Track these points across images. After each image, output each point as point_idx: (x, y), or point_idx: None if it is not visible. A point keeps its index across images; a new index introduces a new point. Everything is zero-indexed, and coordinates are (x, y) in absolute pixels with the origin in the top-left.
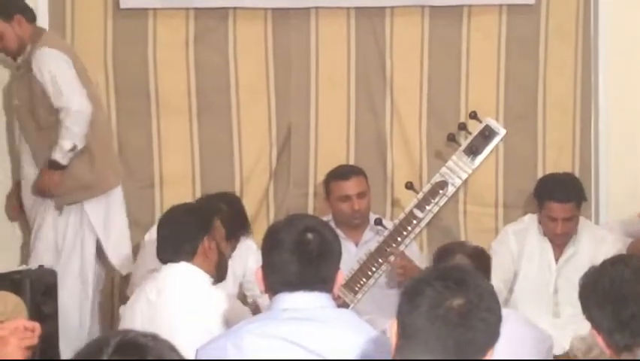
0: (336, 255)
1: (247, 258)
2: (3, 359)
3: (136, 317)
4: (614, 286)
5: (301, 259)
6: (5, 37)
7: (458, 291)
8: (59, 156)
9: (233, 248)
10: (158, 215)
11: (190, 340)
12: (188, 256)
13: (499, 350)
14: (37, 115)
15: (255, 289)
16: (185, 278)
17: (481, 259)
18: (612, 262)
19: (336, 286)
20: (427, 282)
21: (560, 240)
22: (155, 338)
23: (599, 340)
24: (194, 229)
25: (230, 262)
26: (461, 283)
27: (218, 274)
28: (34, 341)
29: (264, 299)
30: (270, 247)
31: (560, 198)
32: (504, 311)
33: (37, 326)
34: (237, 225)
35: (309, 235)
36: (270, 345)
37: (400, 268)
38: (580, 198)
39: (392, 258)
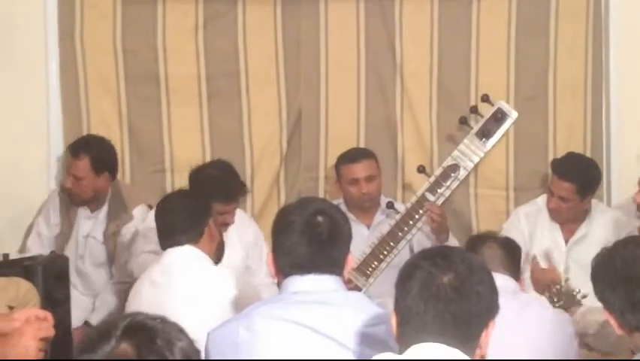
0: (346, 238)
1: (249, 226)
2: (20, 350)
3: (142, 303)
4: (626, 268)
5: (311, 241)
6: (83, 183)
7: (446, 267)
8: None
9: (234, 213)
10: None
11: (200, 323)
12: (195, 239)
13: (528, 333)
14: None
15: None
16: (192, 261)
17: (513, 249)
18: (624, 243)
19: (347, 269)
20: (415, 265)
21: (554, 216)
22: (163, 320)
23: (612, 320)
24: (201, 213)
25: (234, 232)
26: (448, 260)
27: (218, 255)
28: (51, 332)
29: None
30: (280, 230)
31: (560, 174)
32: (527, 296)
33: (48, 315)
34: (234, 187)
35: (320, 218)
36: (281, 328)
37: (437, 216)
38: (583, 185)
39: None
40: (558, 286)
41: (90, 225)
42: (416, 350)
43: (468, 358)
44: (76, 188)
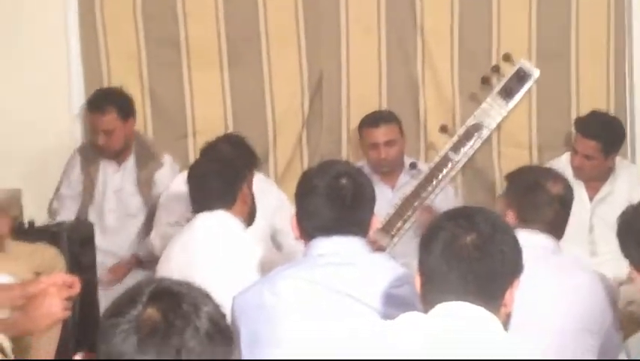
0: (370, 200)
1: (269, 192)
2: (44, 310)
3: (172, 268)
4: None
5: (335, 204)
6: (115, 134)
7: (469, 227)
8: None
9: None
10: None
11: (229, 288)
12: (229, 204)
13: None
14: None
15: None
16: (222, 226)
17: (567, 207)
18: None
19: (371, 230)
20: (438, 226)
21: (578, 174)
22: (189, 285)
23: (638, 277)
24: (234, 179)
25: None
26: (471, 220)
27: (250, 218)
28: (76, 290)
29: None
30: (304, 193)
31: (584, 132)
32: (567, 257)
33: (76, 279)
34: (248, 161)
35: (343, 180)
36: (305, 290)
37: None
38: (607, 143)
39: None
40: None
41: (119, 178)
42: (441, 310)
43: (492, 316)
44: (109, 142)
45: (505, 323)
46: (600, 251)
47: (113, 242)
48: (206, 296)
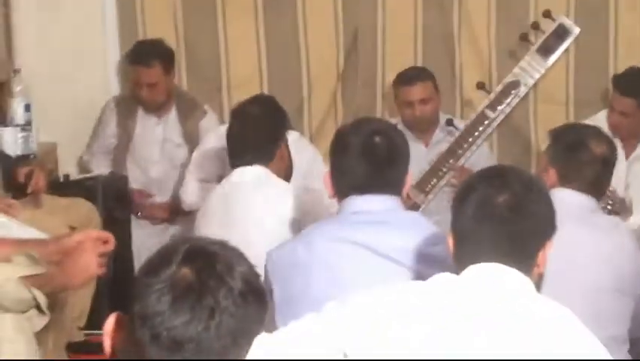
0: (405, 158)
1: (303, 150)
2: (81, 265)
3: (211, 222)
4: None
5: (370, 162)
6: (159, 87)
7: (502, 187)
8: None
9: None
10: (226, 119)
11: (267, 243)
12: (267, 159)
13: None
14: None
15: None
16: (262, 181)
17: (611, 167)
18: None
19: (405, 189)
20: (471, 186)
21: (615, 131)
22: (224, 245)
23: None
24: (277, 133)
25: None
26: (504, 179)
27: (286, 178)
28: (111, 247)
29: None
30: (338, 151)
31: (621, 89)
32: (605, 218)
33: (110, 235)
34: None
35: (377, 139)
36: (340, 248)
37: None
38: None
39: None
40: (611, 189)
41: (161, 130)
42: (473, 271)
43: (525, 277)
44: (153, 95)
45: (538, 284)
46: (636, 209)
47: (157, 194)
48: (241, 256)
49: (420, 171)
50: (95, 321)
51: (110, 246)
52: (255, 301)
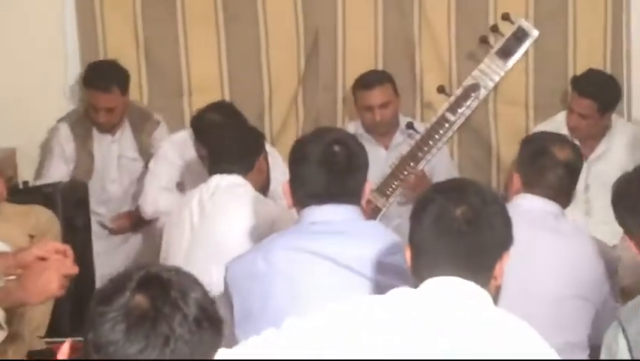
0: (364, 167)
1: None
2: (42, 283)
3: (184, 233)
4: None
5: (329, 171)
6: (116, 110)
7: (460, 200)
8: None
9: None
10: (187, 125)
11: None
12: (246, 170)
13: (566, 264)
14: None
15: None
16: (237, 188)
17: (576, 172)
18: None
19: (364, 198)
20: (428, 198)
21: (574, 133)
22: (178, 271)
23: (632, 245)
24: (256, 146)
25: None
26: (462, 192)
27: (263, 190)
28: (74, 270)
29: None
30: (297, 160)
31: (580, 91)
32: (568, 224)
33: (68, 248)
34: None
35: (336, 148)
36: (299, 259)
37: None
38: (603, 102)
39: (412, 177)
40: None
41: (116, 147)
42: (431, 284)
43: (482, 290)
44: (110, 118)
45: (495, 297)
46: (595, 210)
47: (118, 211)
48: (195, 282)
49: (381, 174)
50: (55, 328)
51: (75, 269)
52: (209, 327)
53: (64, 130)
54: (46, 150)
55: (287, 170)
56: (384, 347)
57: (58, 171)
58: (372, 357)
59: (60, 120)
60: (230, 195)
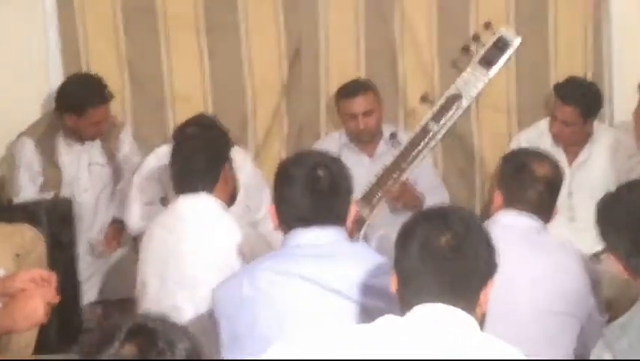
0: (348, 189)
1: (244, 166)
2: (28, 312)
3: (155, 248)
4: (630, 212)
5: (313, 195)
6: (105, 122)
7: (444, 228)
8: None
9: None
10: (169, 135)
11: (211, 274)
12: (211, 185)
13: (550, 280)
14: None
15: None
16: (205, 210)
17: (556, 185)
18: (629, 187)
19: (350, 219)
20: (413, 226)
21: (557, 140)
22: (164, 321)
23: (617, 264)
24: (219, 156)
25: None
26: (446, 220)
27: (232, 198)
28: (56, 299)
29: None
30: (281, 183)
31: (562, 98)
32: (550, 239)
33: (52, 275)
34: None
35: (320, 172)
36: (285, 282)
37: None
38: (585, 108)
39: (395, 187)
40: None
41: (87, 155)
42: (418, 312)
43: (469, 317)
44: (103, 126)
45: (481, 323)
46: (579, 216)
47: (92, 220)
48: (182, 332)
49: (365, 183)
50: (41, 344)
51: (57, 298)
52: None
53: (30, 145)
54: (12, 165)
55: (255, 173)
56: None
57: (29, 188)
58: None
59: (23, 134)
60: (200, 223)
